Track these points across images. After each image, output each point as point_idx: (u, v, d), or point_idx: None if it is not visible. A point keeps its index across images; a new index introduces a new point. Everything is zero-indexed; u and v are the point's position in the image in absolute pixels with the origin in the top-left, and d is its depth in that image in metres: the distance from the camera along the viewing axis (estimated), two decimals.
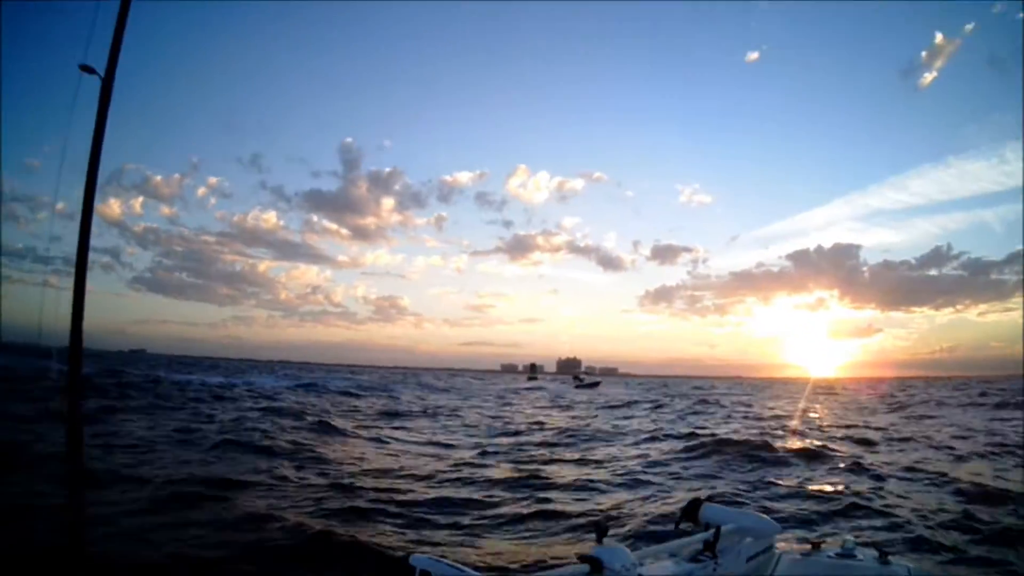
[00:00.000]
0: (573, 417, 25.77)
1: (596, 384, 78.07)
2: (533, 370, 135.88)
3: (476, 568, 2.16)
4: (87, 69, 3.18)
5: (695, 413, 27.20)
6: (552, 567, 2.47)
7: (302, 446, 13.24)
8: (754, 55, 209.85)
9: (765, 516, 3.74)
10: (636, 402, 37.66)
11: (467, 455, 13.66)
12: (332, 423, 18.19)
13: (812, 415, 25.85)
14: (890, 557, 3.53)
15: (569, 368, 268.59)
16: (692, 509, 3.54)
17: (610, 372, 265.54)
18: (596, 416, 26.43)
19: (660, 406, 32.36)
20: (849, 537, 3.81)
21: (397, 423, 21.16)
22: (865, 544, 3.81)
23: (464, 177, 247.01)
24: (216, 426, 16.13)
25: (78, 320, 3.45)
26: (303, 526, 7.03)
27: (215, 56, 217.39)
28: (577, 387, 70.79)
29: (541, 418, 24.64)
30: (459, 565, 2.05)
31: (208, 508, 7.64)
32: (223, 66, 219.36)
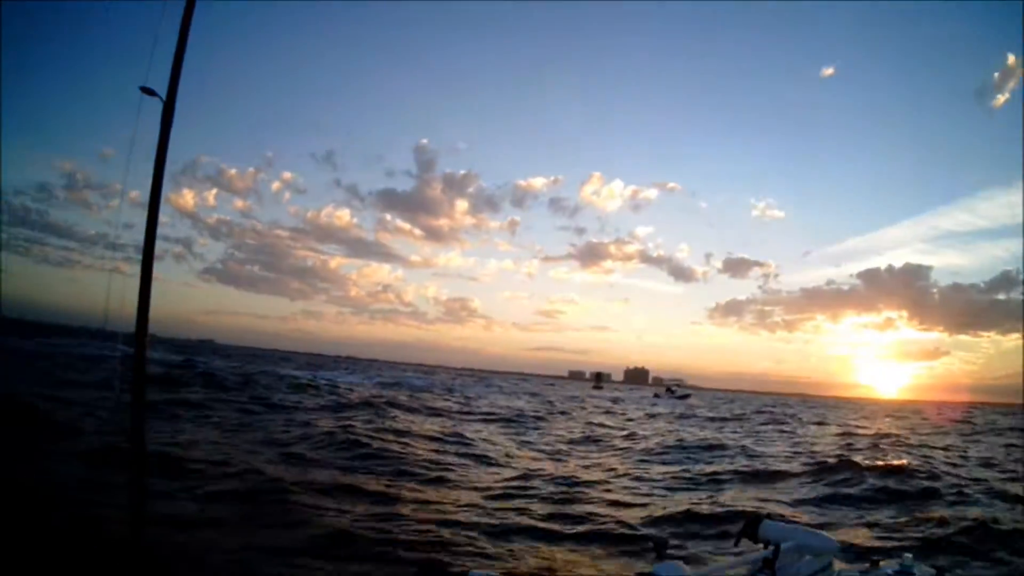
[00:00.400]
0: (717, 432, 24.60)
1: (687, 396, 78.07)
2: (599, 379, 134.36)
3: None
4: (148, 91, 3.15)
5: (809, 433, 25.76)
6: None
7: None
8: (829, 70, 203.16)
9: (825, 534, 3.70)
10: (745, 416, 36.41)
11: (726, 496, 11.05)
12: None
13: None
14: (948, 575, 3.52)
15: (637, 377, 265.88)
16: (752, 526, 3.50)
17: (678, 383, 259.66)
18: (727, 432, 25.15)
19: (778, 422, 30.79)
20: (908, 555, 3.75)
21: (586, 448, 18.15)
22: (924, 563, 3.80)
23: (538, 182, 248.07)
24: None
25: (144, 310, 3.47)
26: None
27: (293, 53, 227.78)
28: (669, 398, 71.39)
29: (685, 435, 22.34)
30: None
31: None
32: (300, 63, 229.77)
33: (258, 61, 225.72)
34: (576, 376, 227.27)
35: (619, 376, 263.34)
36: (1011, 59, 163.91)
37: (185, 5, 3.08)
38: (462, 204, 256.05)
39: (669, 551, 2.72)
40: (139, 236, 3.70)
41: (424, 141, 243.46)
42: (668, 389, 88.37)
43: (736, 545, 3.55)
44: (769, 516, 3.64)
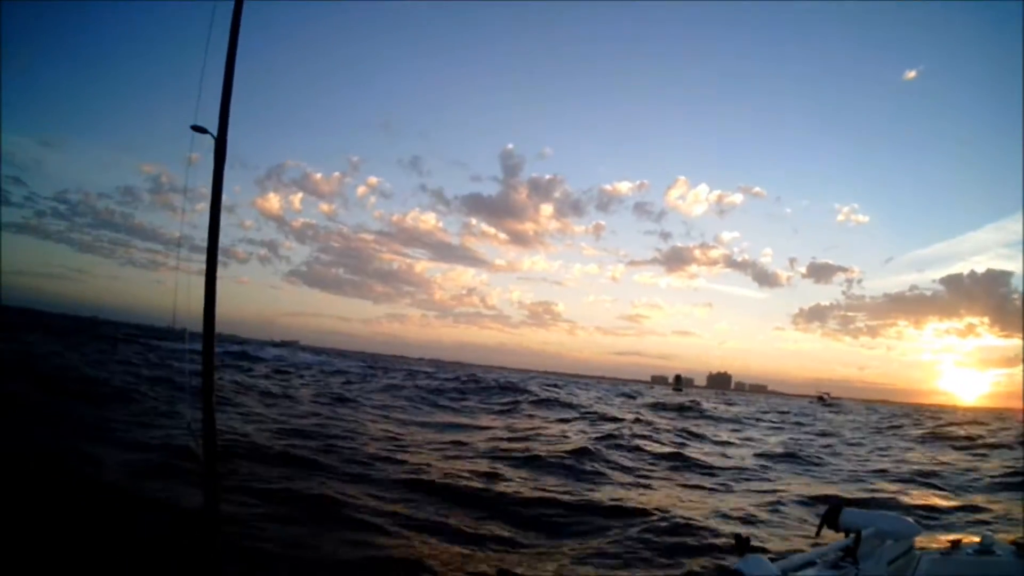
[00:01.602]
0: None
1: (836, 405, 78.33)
2: (678, 382, 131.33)
3: None
4: (199, 130, 3.18)
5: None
6: None
7: None
8: (912, 73, 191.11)
9: (905, 517, 3.67)
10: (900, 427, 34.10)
11: None
12: None
13: None
14: None
15: (719, 383, 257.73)
16: (832, 515, 3.47)
17: (760, 389, 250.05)
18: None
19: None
20: (988, 533, 3.69)
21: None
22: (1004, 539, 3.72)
23: (623, 187, 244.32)
24: None
25: (211, 308, 3.55)
26: None
27: (376, 58, 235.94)
28: (823, 406, 71.59)
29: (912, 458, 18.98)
30: None
31: None
32: (384, 68, 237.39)
33: (343, 67, 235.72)
34: (659, 380, 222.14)
35: (701, 381, 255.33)
36: None
37: (227, 52, 3.08)
38: (547, 208, 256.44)
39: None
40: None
41: (510, 146, 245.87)
42: (820, 398, 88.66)
43: (817, 535, 3.56)
44: (848, 504, 3.66)
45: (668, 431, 21.29)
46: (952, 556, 3.55)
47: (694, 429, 23.25)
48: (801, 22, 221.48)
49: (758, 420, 35.14)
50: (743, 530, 7.88)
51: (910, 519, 3.63)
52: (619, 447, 15.35)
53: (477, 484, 9.60)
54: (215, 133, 3.21)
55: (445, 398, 27.67)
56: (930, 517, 9.52)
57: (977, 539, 3.66)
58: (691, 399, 47.38)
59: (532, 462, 12.07)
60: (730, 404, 51.65)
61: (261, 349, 61.61)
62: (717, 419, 31.94)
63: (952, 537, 3.81)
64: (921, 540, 3.75)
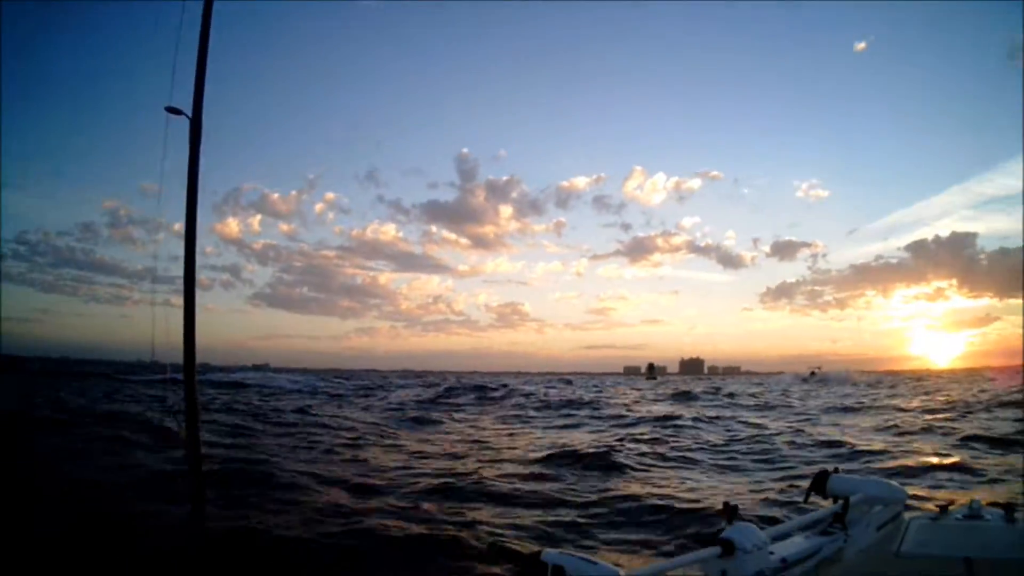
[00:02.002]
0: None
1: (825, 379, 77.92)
2: (651, 370, 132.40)
3: (606, 558, 2.12)
4: (174, 111, 3.31)
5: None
6: (685, 552, 2.46)
7: None
8: (861, 45, 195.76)
9: (893, 482, 3.69)
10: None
11: None
12: None
13: None
14: (1017, 515, 3.45)
15: (692, 368, 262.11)
16: (820, 482, 3.50)
17: (733, 371, 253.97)
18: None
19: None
20: (977, 497, 3.71)
21: None
22: (993, 504, 3.73)
23: (581, 182, 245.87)
24: None
25: (190, 333, 3.62)
26: None
27: (326, 73, 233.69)
28: (814, 381, 69.89)
29: None
30: (591, 558, 2.01)
31: None
32: (334, 83, 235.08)
33: (295, 85, 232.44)
34: (631, 371, 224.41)
35: (674, 368, 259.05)
36: None
37: (200, 31, 3.23)
38: (506, 210, 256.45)
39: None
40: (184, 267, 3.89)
41: (464, 151, 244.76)
42: (812, 373, 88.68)
43: (806, 501, 3.57)
44: (836, 470, 3.62)
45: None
46: (940, 520, 3.56)
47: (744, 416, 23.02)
48: (746, 2, 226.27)
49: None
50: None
51: (898, 484, 3.67)
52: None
53: None
54: (189, 114, 3.36)
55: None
56: None
57: (965, 503, 3.67)
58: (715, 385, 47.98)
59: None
60: (717, 388, 51.39)
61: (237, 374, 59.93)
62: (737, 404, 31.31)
63: (941, 502, 3.83)
64: (910, 505, 3.75)
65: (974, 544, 3.13)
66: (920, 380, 61.28)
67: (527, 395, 36.50)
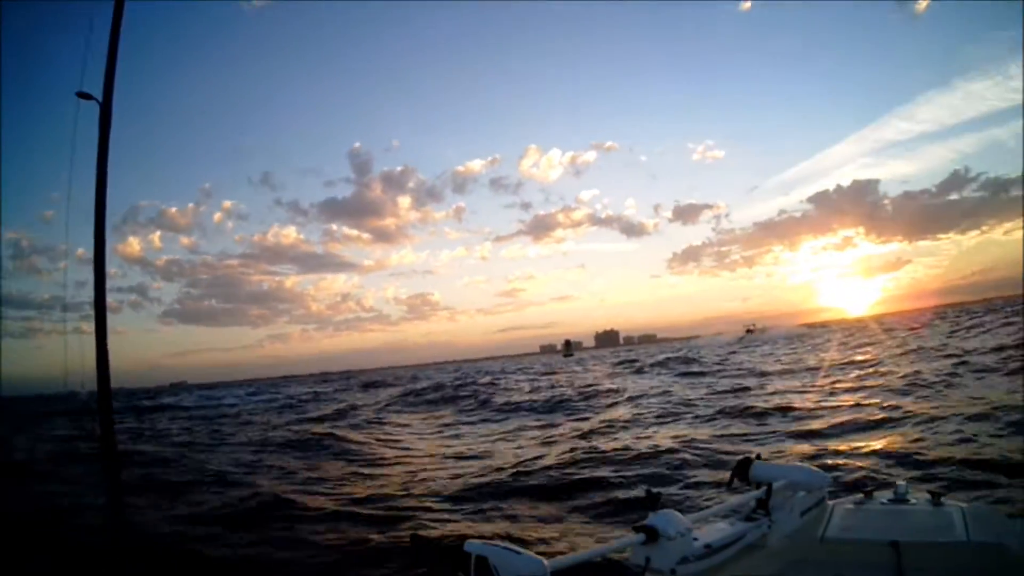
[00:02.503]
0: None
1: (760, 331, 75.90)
2: (568, 347, 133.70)
3: (529, 546, 2.14)
4: (85, 96, 3.31)
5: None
6: (608, 539, 2.48)
7: None
8: (747, 4, 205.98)
9: (816, 468, 3.67)
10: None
11: None
12: None
13: None
14: (943, 498, 3.49)
15: (608, 340, 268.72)
16: (743, 468, 3.48)
17: (649, 339, 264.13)
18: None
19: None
20: (902, 482, 3.76)
21: None
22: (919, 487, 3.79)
23: (476, 165, 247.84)
24: None
25: (103, 353, 3.64)
26: None
27: (212, 80, 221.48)
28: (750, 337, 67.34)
29: None
30: (515, 548, 1.98)
31: None
32: (221, 89, 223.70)
33: (180, 96, 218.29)
34: (547, 350, 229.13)
35: (590, 342, 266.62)
36: None
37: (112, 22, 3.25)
38: (404, 200, 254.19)
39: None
40: (91, 293, 3.86)
41: (357, 144, 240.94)
42: (748, 331, 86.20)
43: (729, 488, 3.53)
44: (759, 457, 3.61)
45: None
46: (865, 505, 3.57)
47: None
48: None
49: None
50: None
51: (821, 471, 3.68)
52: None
53: None
54: (100, 99, 3.37)
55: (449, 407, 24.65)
56: None
57: (890, 490, 3.70)
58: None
59: None
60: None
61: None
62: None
63: (866, 487, 3.88)
64: (833, 490, 3.75)
65: (900, 528, 3.16)
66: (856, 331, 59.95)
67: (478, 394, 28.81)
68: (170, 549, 6.72)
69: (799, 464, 3.74)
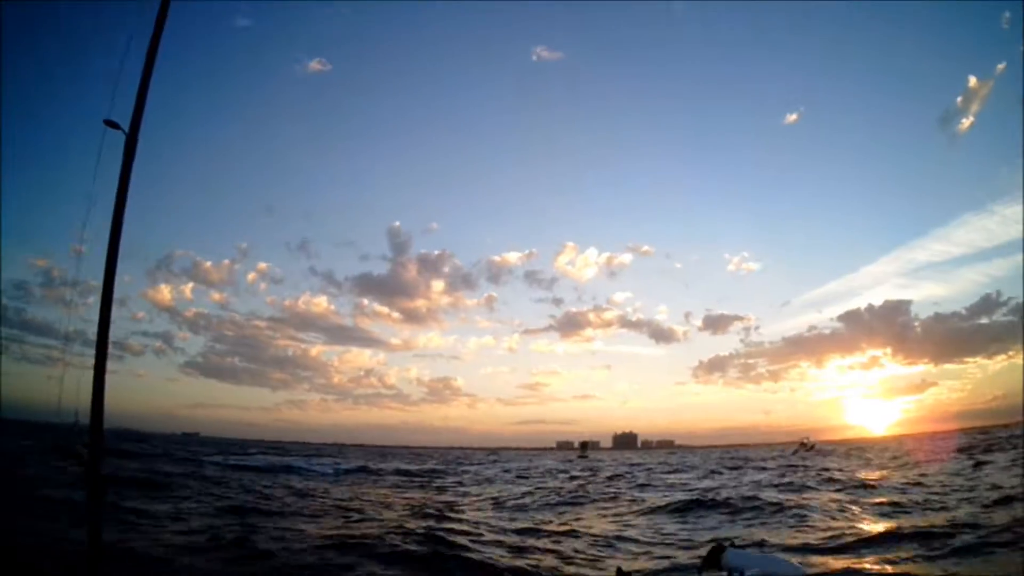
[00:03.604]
0: None
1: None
2: (584, 448, 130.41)
3: None
4: (112, 124, 3.33)
5: None
6: None
7: None
8: (793, 116, 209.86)
9: (791, 560, 3.60)
10: None
11: None
12: None
13: None
14: None
15: (626, 443, 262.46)
16: (715, 555, 3.44)
17: (667, 444, 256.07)
18: None
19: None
20: None
21: None
22: None
23: (512, 257, 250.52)
24: None
25: (99, 387, 3.51)
26: None
27: (257, 143, 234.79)
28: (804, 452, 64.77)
29: None
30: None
31: None
32: (266, 153, 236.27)
33: (225, 153, 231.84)
34: (564, 446, 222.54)
35: (607, 443, 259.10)
36: (972, 81, 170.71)
37: (149, 44, 3.33)
38: (438, 284, 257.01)
39: None
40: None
41: (396, 223, 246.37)
42: (802, 444, 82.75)
43: (700, 575, 3.50)
44: (732, 544, 3.58)
45: None
46: None
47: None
48: (676, 72, 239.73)
49: None
50: None
51: (796, 563, 3.63)
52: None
53: None
54: (126, 129, 3.39)
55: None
56: None
57: None
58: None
59: None
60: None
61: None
62: None
63: None
64: None
65: None
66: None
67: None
68: None
69: (774, 555, 3.75)
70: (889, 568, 8.78)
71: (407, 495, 22.55)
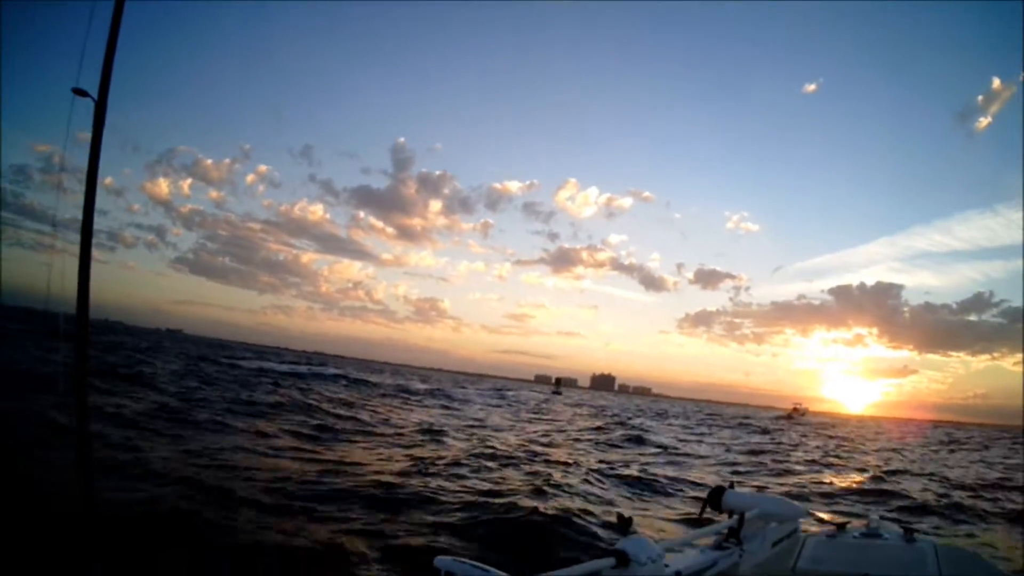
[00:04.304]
0: None
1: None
2: (558, 384, 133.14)
3: (500, 566, 2.08)
4: (80, 92, 3.09)
5: None
6: (579, 562, 2.36)
7: None
8: (812, 86, 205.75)
9: (789, 500, 3.67)
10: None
11: None
12: None
13: None
14: (916, 534, 3.50)
15: (603, 384, 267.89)
16: (715, 496, 3.50)
17: (644, 391, 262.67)
18: None
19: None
20: (875, 516, 3.77)
21: None
22: (891, 522, 3.90)
23: (513, 186, 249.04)
24: None
25: (84, 295, 3.44)
26: None
27: (270, 47, 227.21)
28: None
29: None
30: (484, 565, 1.97)
31: None
32: (279, 59, 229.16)
33: (239, 55, 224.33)
34: (542, 380, 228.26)
35: (585, 382, 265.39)
36: (996, 82, 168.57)
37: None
38: (436, 204, 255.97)
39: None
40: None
41: (401, 140, 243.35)
42: (795, 409, 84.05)
43: (700, 516, 3.58)
44: (732, 485, 3.63)
45: None
46: (838, 538, 3.58)
47: None
48: (702, 27, 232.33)
49: None
50: None
51: (795, 502, 3.67)
52: None
53: None
54: (96, 96, 3.13)
55: None
56: None
57: (863, 523, 3.71)
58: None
59: None
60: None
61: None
62: None
63: (839, 520, 3.85)
64: (807, 523, 3.75)
65: (871, 562, 3.17)
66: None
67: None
68: None
69: (773, 495, 3.75)
70: None
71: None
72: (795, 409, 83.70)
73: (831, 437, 33.48)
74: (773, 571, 3.19)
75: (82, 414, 3.40)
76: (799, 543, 3.51)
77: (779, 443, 25.77)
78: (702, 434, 28.41)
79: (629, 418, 35.05)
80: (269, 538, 5.92)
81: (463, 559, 2.04)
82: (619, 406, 57.89)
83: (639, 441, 19.75)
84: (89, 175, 3.42)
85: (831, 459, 19.11)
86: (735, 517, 3.22)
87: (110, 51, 3.01)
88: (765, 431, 35.56)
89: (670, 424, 34.59)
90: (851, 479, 13.94)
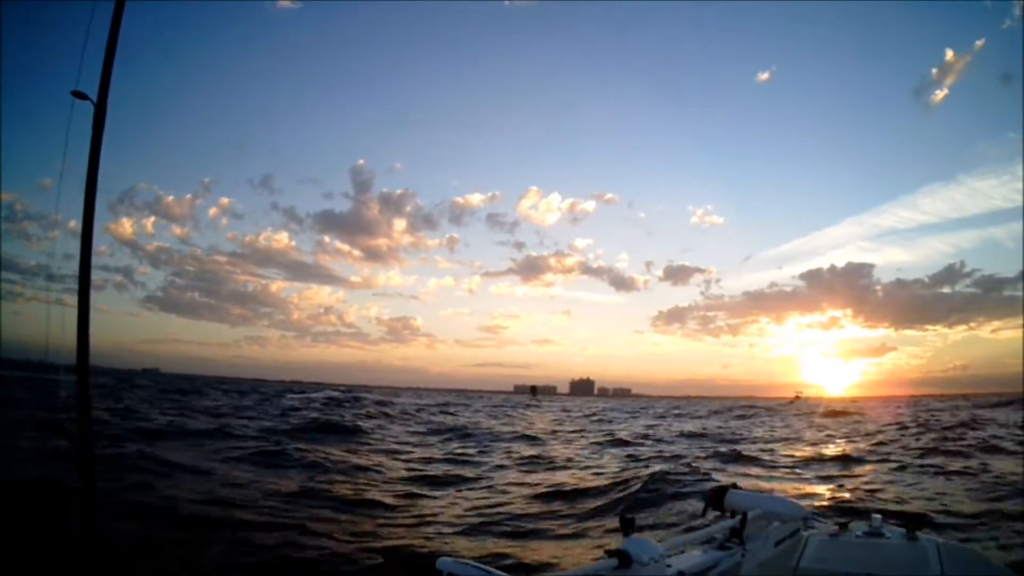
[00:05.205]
0: None
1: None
2: (534, 392, 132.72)
3: (504, 568, 2.11)
4: (79, 95, 3.22)
5: None
6: (580, 563, 2.40)
7: None
8: (765, 75, 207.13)
9: (792, 499, 3.67)
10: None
11: None
12: None
13: None
14: (918, 533, 3.49)
15: (582, 389, 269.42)
16: (718, 496, 3.49)
17: (624, 393, 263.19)
18: None
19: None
20: (877, 516, 3.78)
21: None
22: (894, 522, 3.79)
23: (475, 199, 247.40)
24: None
25: (84, 333, 3.52)
26: None
27: (224, 77, 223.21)
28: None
29: None
30: (486, 567, 1.99)
31: None
32: (232, 88, 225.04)
33: (190, 87, 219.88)
34: (521, 390, 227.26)
35: (564, 388, 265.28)
36: (949, 54, 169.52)
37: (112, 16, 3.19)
38: (400, 223, 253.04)
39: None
40: (76, 267, 3.79)
41: (360, 162, 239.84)
42: (797, 396, 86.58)
43: (703, 516, 3.55)
44: (735, 486, 3.60)
45: None
46: (840, 538, 3.57)
47: None
48: (651, 22, 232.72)
49: None
50: None
51: (797, 502, 3.67)
52: None
53: None
54: (95, 99, 3.27)
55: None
56: None
57: (865, 523, 3.71)
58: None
59: None
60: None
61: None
62: None
63: (841, 520, 3.86)
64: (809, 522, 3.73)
65: (874, 561, 3.16)
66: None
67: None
68: None
69: (775, 495, 3.81)
70: None
71: None
72: (797, 396, 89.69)
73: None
74: (776, 571, 3.19)
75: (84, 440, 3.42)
76: (802, 543, 3.51)
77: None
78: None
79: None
80: None
81: (465, 560, 2.05)
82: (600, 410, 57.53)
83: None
84: (88, 180, 3.53)
85: None
86: (737, 517, 3.23)
87: (110, 53, 3.15)
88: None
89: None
90: None
